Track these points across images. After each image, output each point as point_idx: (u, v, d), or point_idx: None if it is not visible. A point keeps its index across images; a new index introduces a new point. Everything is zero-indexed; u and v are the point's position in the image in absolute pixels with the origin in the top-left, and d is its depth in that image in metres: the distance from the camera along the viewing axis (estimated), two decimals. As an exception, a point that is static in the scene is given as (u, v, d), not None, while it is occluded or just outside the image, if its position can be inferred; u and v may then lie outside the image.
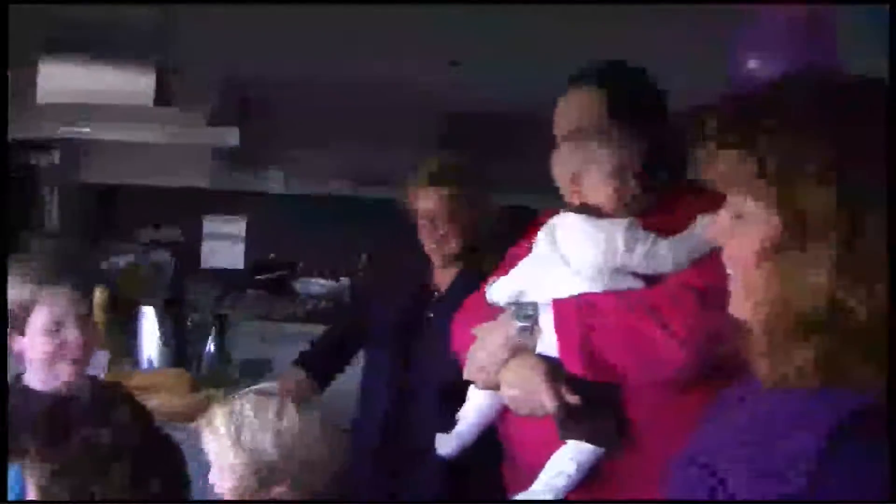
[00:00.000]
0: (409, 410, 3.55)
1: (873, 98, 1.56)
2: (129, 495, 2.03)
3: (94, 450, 2.05)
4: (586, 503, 2.53)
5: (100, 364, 4.12)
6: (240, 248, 6.43)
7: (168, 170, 6.14)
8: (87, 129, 5.53)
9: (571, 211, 2.57)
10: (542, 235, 2.62)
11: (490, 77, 5.37)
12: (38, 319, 2.86)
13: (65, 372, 2.89)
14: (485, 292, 2.72)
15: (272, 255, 6.41)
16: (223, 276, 6.27)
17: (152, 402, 3.50)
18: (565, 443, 2.49)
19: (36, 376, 2.93)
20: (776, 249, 1.56)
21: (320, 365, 3.87)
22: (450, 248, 3.58)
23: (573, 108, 2.74)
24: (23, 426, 2.77)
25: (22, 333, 2.89)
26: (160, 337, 4.30)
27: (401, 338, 3.63)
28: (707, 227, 1.71)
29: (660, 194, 2.59)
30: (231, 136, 5.48)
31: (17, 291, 2.88)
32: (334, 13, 4.40)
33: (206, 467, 2.47)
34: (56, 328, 2.85)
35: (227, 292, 6.01)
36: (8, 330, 2.90)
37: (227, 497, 2.44)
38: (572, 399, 2.45)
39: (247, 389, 2.57)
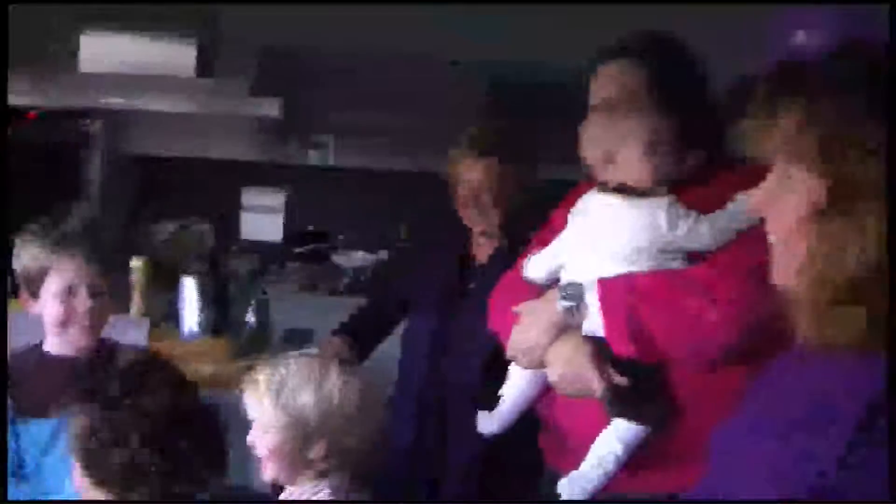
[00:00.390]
0: (448, 382, 3.55)
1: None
2: (163, 458, 2.03)
3: (124, 410, 2.06)
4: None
5: (141, 332, 4.15)
6: (279, 220, 6.43)
7: (209, 141, 6.18)
8: (130, 100, 5.56)
9: (608, 191, 2.55)
10: (577, 213, 2.60)
11: (532, 48, 5.35)
12: (52, 285, 2.89)
13: (76, 337, 2.93)
14: (521, 269, 2.71)
15: (311, 227, 6.41)
16: (262, 248, 6.28)
17: (193, 369, 3.52)
18: (611, 422, 2.50)
19: (52, 341, 2.98)
20: (821, 216, 1.55)
21: (360, 335, 3.87)
22: (490, 219, 3.57)
23: (610, 81, 2.70)
24: (41, 388, 2.87)
25: (36, 297, 2.93)
26: (201, 306, 4.31)
27: (440, 309, 3.63)
28: (751, 196, 1.70)
29: (697, 170, 2.57)
30: (273, 107, 5.50)
31: (33, 255, 2.91)
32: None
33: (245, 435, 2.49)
34: (68, 294, 2.88)
35: (266, 264, 6.02)
36: (24, 293, 2.96)
37: (266, 456, 2.46)
38: (620, 380, 2.45)
39: (289, 353, 2.60)
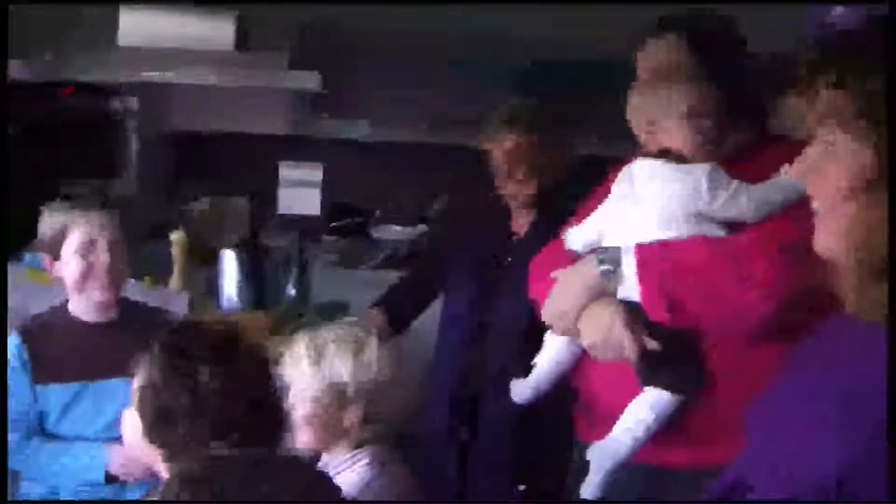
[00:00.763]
0: (486, 356, 3.56)
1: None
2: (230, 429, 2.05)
3: (203, 376, 2.07)
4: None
5: (181, 305, 4.17)
6: (316, 195, 6.44)
7: (246, 115, 6.18)
8: (168, 74, 5.57)
9: (650, 156, 2.54)
10: (620, 181, 2.60)
11: (571, 23, 5.33)
12: (72, 242, 2.96)
13: (96, 294, 3.00)
14: (563, 239, 2.71)
15: (348, 201, 6.41)
16: (300, 222, 6.28)
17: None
18: (643, 391, 2.49)
19: (74, 302, 3.04)
20: (866, 185, 1.54)
21: (398, 309, 3.89)
22: (527, 191, 3.59)
23: (654, 54, 2.71)
24: (63, 351, 2.98)
25: (58, 258, 2.99)
26: (240, 280, 4.34)
27: (479, 283, 3.63)
28: (795, 163, 1.69)
29: (741, 144, 2.57)
30: (312, 81, 5.49)
31: (54, 219, 2.99)
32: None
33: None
34: (87, 250, 2.96)
35: (304, 238, 6.03)
36: (48, 258, 3.03)
37: (302, 424, 2.47)
38: (652, 345, 2.44)
39: (328, 323, 2.61)
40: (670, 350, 2.46)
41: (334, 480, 2.26)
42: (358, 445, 2.49)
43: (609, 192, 2.65)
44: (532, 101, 3.84)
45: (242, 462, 1.59)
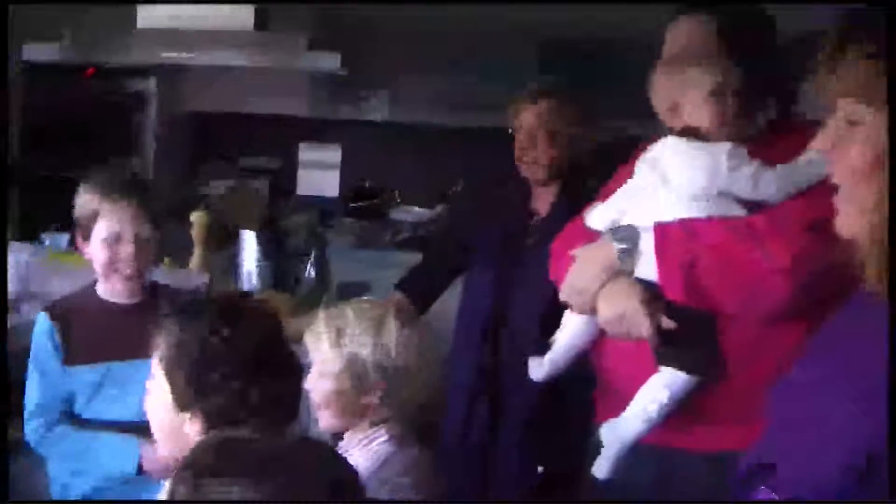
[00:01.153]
0: (507, 336, 3.56)
1: None
2: (247, 394, 2.07)
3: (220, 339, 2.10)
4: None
5: (201, 286, 4.18)
6: (335, 176, 6.45)
7: (266, 97, 6.18)
8: (187, 55, 5.58)
9: (673, 134, 2.54)
10: (643, 160, 2.59)
11: (596, 3, 5.32)
12: (100, 230, 2.94)
13: (119, 284, 2.99)
14: (584, 218, 2.70)
15: (367, 182, 6.41)
16: (319, 203, 6.30)
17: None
18: (659, 370, 2.49)
19: (101, 285, 3.05)
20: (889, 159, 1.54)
21: (419, 290, 3.89)
22: (549, 165, 3.59)
23: (680, 34, 2.68)
24: (91, 332, 2.98)
25: (88, 241, 2.99)
26: (259, 260, 4.34)
27: (500, 263, 3.63)
28: (818, 137, 1.68)
29: (764, 126, 2.55)
30: (332, 62, 5.49)
31: (86, 200, 2.97)
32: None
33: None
34: (113, 240, 2.94)
35: (323, 219, 6.04)
36: (79, 236, 3.02)
37: (323, 403, 2.48)
38: (669, 324, 2.44)
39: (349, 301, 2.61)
40: (687, 330, 2.45)
41: (351, 457, 2.29)
42: (378, 423, 2.49)
43: (632, 172, 2.64)
44: (558, 78, 3.85)
45: (257, 446, 1.59)
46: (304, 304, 4.14)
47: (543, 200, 3.66)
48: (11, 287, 3.77)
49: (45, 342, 2.98)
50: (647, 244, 2.45)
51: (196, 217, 4.52)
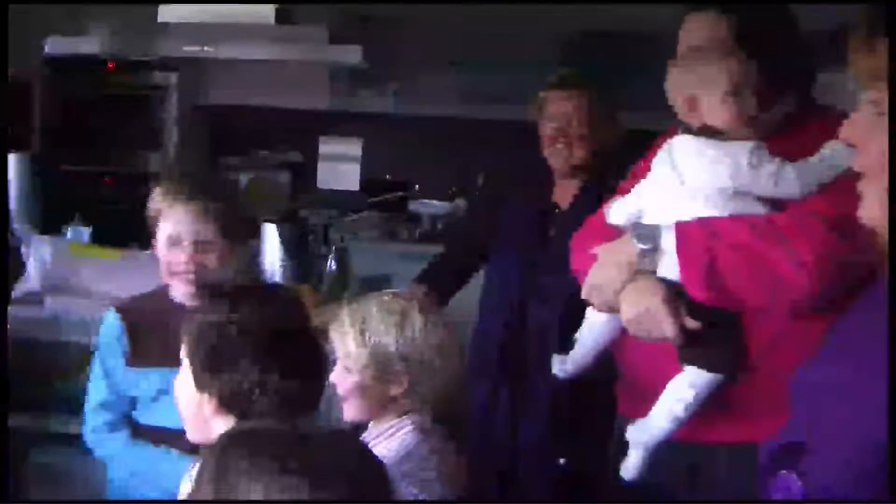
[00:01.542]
0: (528, 329, 3.56)
1: None
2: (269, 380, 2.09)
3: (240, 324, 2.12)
4: None
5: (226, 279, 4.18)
6: (356, 169, 6.45)
7: (287, 90, 6.19)
8: (208, 49, 5.59)
9: (691, 133, 2.52)
10: (660, 157, 2.57)
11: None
12: (163, 230, 2.90)
13: (181, 286, 2.91)
14: (605, 213, 2.70)
15: (388, 176, 6.42)
16: (339, 197, 6.31)
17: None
18: (683, 369, 2.49)
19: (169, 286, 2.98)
20: None
21: (440, 282, 3.89)
22: (574, 155, 3.59)
23: (697, 29, 2.67)
24: (157, 334, 2.87)
25: (155, 239, 2.93)
26: (281, 253, 4.34)
27: (521, 255, 3.64)
28: (843, 126, 1.68)
29: (785, 118, 2.53)
30: (354, 54, 5.49)
31: (154, 199, 2.92)
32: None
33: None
34: (172, 243, 2.88)
35: (344, 212, 6.05)
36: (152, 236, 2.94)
37: (348, 395, 2.49)
38: (692, 324, 2.43)
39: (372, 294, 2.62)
40: (710, 329, 2.44)
41: (376, 448, 2.30)
42: (403, 414, 2.50)
43: (650, 166, 2.63)
44: (584, 69, 3.86)
45: (282, 437, 1.59)
46: (326, 297, 4.14)
47: (566, 193, 3.66)
48: (34, 280, 3.78)
49: (112, 340, 2.94)
50: (668, 243, 2.44)
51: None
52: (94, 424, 2.95)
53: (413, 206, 6.27)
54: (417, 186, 6.37)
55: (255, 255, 4.43)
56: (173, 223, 2.86)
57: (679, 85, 2.55)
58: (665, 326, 2.43)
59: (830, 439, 1.62)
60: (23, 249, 3.80)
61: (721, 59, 2.48)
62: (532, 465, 3.61)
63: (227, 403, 2.12)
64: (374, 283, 4.29)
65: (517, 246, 3.67)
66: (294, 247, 4.41)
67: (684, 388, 2.46)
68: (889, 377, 1.47)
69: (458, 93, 6.10)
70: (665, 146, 2.57)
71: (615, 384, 2.83)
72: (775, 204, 2.44)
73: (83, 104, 5.96)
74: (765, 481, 1.79)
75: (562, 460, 3.56)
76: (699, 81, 2.49)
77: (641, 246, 2.47)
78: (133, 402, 2.93)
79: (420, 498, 2.34)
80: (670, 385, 2.48)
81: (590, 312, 2.72)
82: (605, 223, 2.67)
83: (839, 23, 1.76)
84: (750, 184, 2.43)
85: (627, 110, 3.76)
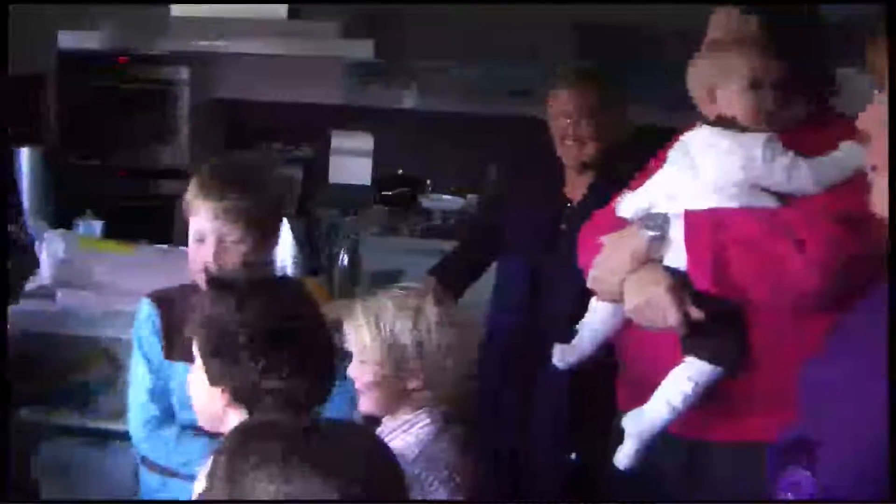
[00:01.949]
0: (540, 323, 3.56)
1: None
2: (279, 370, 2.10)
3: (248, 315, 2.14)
4: None
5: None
6: (367, 164, 6.45)
7: (299, 85, 6.19)
8: (221, 43, 5.59)
9: (707, 124, 2.52)
10: (676, 149, 2.58)
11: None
12: (192, 224, 2.84)
13: (202, 282, 2.80)
14: (616, 206, 2.70)
15: (399, 171, 6.42)
16: (351, 191, 6.31)
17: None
18: (684, 360, 2.48)
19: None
20: None
21: (453, 276, 3.90)
22: (585, 152, 3.60)
23: (725, 20, 2.65)
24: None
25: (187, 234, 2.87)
26: (293, 248, 4.34)
27: (533, 250, 3.64)
28: (860, 117, 1.68)
29: (802, 117, 2.53)
30: (366, 49, 5.49)
31: (188, 192, 2.84)
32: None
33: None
34: (199, 238, 2.82)
35: (355, 207, 6.05)
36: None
37: (365, 388, 2.49)
38: (696, 314, 2.42)
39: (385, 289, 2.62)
40: (714, 321, 2.43)
41: (392, 443, 2.30)
42: (419, 409, 2.50)
43: (665, 161, 2.63)
44: (593, 62, 3.86)
45: (293, 430, 1.59)
46: (339, 291, 4.15)
47: (577, 187, 3.66)
48: (46, 274, 3.78)
49: (148, 328, 2.90)
50: (676, 232, 2.44)
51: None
52: (144, 418, 2.87)
53: (424, 201, 6.27)
54: (429, 182, 6.36)
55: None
56: (199, 219, 2.80)
57: (700, 75, 2.56)
58: (668, 315, 2.43)
59: (840, 436, 1.62)
60: (37, 245, 3.80)
61: (743, 51, 2.48)
62: (542, 461, 3.62)
63: (239, 397, 2.14)
64: (386, 278, 4.30)
65: (528, 241, 3.68)
66: (306, 241, 4.42)
67: (684, 378, 2.46)
68: (889, 377, 1.46)
69: (471, 87, 6.08)
70: (682, 138, 2.57)
71: (616, 381, 2.83)
72: (786, 198, 2.44)
73: (96, 99, 5.96)
74: (774, 477, 1.79)
75: (573, 455, 3.56)
76: (720, 72, 2.50)
77: (649, 233, 2.47)
78: (170, 397, 2.87)
79: (436, 492, 2.34)
80: (670, 375, 2.48)
81: (594, 303, 2.72)
82: (613, 217, 2.67)
83: (851, 19, 1.76)
84: (762, 177, 2.43)
85: (639, 105, 3.76)
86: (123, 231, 4.13)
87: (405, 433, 2.45)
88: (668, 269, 2.47)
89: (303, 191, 6.29)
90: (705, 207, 2.44)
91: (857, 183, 1.70)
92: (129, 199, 5.68)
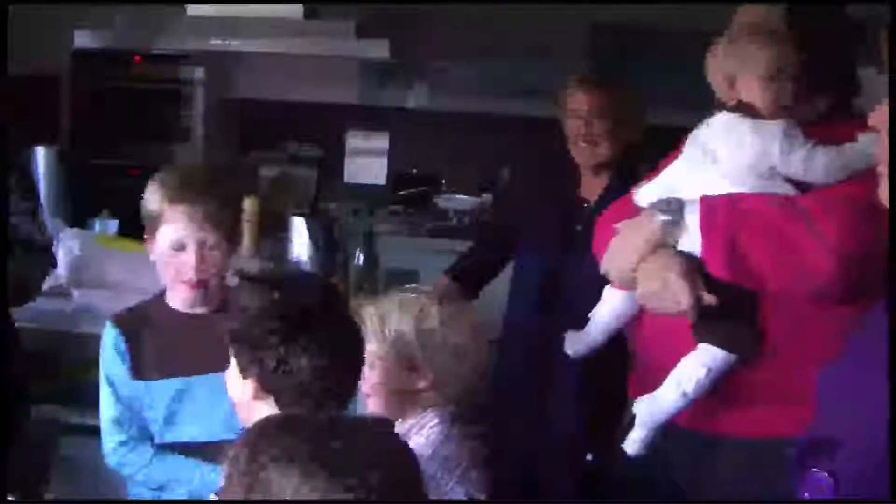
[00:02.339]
0: (557, 323, 3.55)
1: None
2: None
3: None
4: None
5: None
6: (382, 164, 6.45)
7: (314, 84, 6.19)
8: (236, 43, 5.60)
9: (726, 110, 2.51)
10: (693, 136, 2.57)
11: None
12: (164, 236, 2.75)
13: (184, 293, 2.79)
14: (632, 197, 2.68)
15: (415, 170, 6.42)
16: (366, 191, 6.32)
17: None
18: (696, 347, 2.46)
19: (169, 292, 2.84)
20: None
21: (469, 275, 3.91)
22: (600, 152, 3.60)
23: (752, 11, 2.62)
24: (164, 345, 2.79)
25: (154, 241, 2.78)
26: (309, 247, 4.35)
27: (549, 250, 3.64)
28: (876, 109, 1.67)
29: (821, 115, 2.51)
30: (381, 49, 5.49)
31: (153, 199, 2.76)
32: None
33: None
34: (176, 248, 2.73)
35: (370, 207, 6.06)
36: (147, 233, 2.80)
37: (371, 391, 2.50)
38: (709, 298, 2.41)
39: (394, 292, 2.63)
40: (727, 307, 2.42)
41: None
42: (428, 409, 2.50)
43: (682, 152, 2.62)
44: (607, 62, 3.87)
45: (313, 425, 1.60)
46: (354, 290, 4.15)
47: (593, 188, 3.66)
48: (62, 273, 3.79)
49: (112, 353, 2.80)
50: (692, 217, 2.43)
51: (248, 203, 4.53)
52: (111, 445, 2.81)
53: (439, 200, 6.27)
54: (444, 181, 6.36)
55: (282, 248, 4.45)
56: (176, 227, 2.72)
57: (720, 64, 2.55)
58: (681, 298, 2.41)
59: (861, 438, 1.61)
60: (55, 244, 3.81)
61: (766, 41, 2.46)
62: (560, 458, 3.62)
63: (267, 389, 2.15)
64: (401, 278, 4.30)
65: (544, 242, 3.68)
66: (322, 240, 4.43)
67: (697, 364, 2.45)
68: (889, 377, 1.45)
69: (486, 87, 6.07)
70: (700, 126, 2.56)
71: (629, 375, 2.82)
72: (804, 186, 2.42)
73: (111, 97, 5.97)
74: (795, 479, 1.78)
75: (589, 456, 3.55)
76: (741, 61, 2.49)
77: (663, 218, 2.46)
78: (146, 419, 2.79)
79: (451, 492, 2.34)
80: (682, 362, 2.47)
81: (607, 290, 2.71)
82: (629, 208, 2.66)
83: (874, 18, 1.75)
84: (780, 164, 2.42)
85: (654, 105, 3.76)
86: (139, 230, 4.13)
87: (416, 436, 2.45)
88: (682, 253, 2.46)
89: (318, 190, 6.30)
90: (721, 191, 2.43)
91: (874, 174, 1.70)
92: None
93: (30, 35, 3.94)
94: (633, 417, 2.54)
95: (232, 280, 2.80)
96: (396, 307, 2.51)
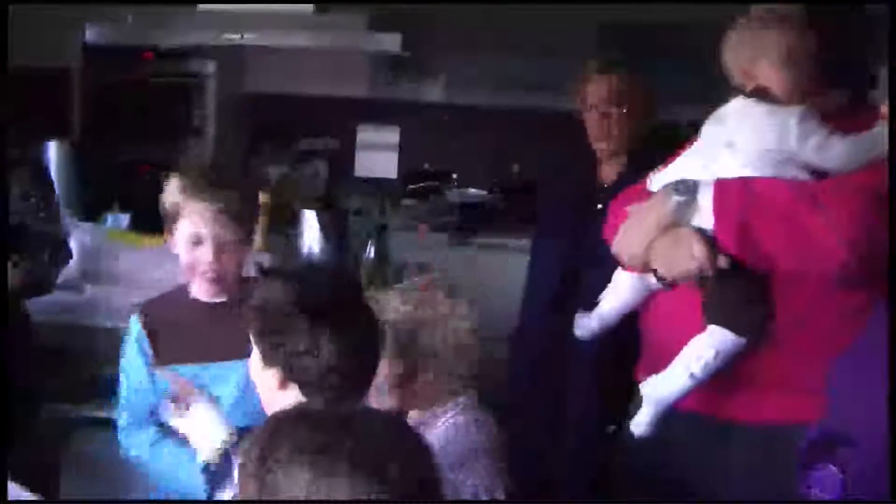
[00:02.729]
0: (574, 307, 3.56)
1: None
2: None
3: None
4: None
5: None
6: (393, 158, 6.45)
7: (326, 78, 6.19)
8: (247, 37, 5.60)
9: (743, 95, 2.50)
10: (710, 121, 2.57)
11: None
12: (182, 228, 2.78)
13: (203, 285, 2.84)
14: (646, 183, 2.68)
15: (426, 164, 6.42)
16: (376, 185, 6.31)
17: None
18: (706, 329, 2.46)
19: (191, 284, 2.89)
20: None
21: None
22: (617, 137, 3.61)
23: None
24: (183, 333, 2.84)
25: (173, 235, 2.83)
26: (321, 241, 4.36)
27: (568, 232, 3.65)
28: (883, 108, 1.67)
29: (837, 105, 2.51)
30: (393, 43, 5.48)
31: (172, 194, 2.80)
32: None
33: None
34: (194, 242, 2.77)
35: (381, 200, 6.05)
36: (166, 228, 2.85)
37: (380, 385, 2.49)
38: (723, 262, 2.40)
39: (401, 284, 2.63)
40: (738, 289, 2.43)
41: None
42: (439, 402, 2.50)
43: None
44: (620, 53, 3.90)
45: (327, 417, 1.60)
46: (365, 284, 4.15)
47: (611, 172, 3.70)
48: (74, 267, 3.80)
49: (135, 340, 2.86)
50: (705, 198, 2.43)
51: (260, 197, 4.54)
52: (122, 425, 2.89)
53: (450, 195, 6.26)
54: (455, 175, 6.36)
55: (294, 242, 4.46)
56: (195, 222, 2.77)
57: (738, 49, 2.56)
58: (696, 250, 2.40)
59: (872, 435, 1.61)
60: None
61: (784, 27, 2.47)
62: (580, 432, 3.63)
63: (290, 378, 2.18)
64: (412, 271, 4.31)
65: (563, 222, 3.70)
66: (332, 234, 4.43)
67: (706, 346, 2.45)
68: (889, 377, 1.45)
69: (498, 81, 6.06)
70: (717, 111, 2.56)
71: (636, 368, 2.81)
72: (819, 172, 2.42)
73: (122, 92, 5.98)
74: (804, 473, 1.78)
75: (611, 428, 3.55)
76: (758, 46, 2.50)
77: (677, 198, 2.45)
78: (161, 402, 2.78)
79: (465, 483, 2.35)
80: (691, 342, 2.47)
81: (618, 273, 2.72)
82: (643, 192, 2.65)
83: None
84: (795, 150, 2.41)
85: (665, 98, 3.77)
86: (151, 224, 4.14)
87: (429, 430, 2.45)
88: (695, 228, 2.45)
89: (329, 184, 6.30)
90: (736, 175, 2.43)
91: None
92: (157, 192, 5.69)
93: (41, 31, 3.95)
94: (640, 399, 2.54)
95: (250, 271, 2.85)
96: (401, 302, 2.54)
